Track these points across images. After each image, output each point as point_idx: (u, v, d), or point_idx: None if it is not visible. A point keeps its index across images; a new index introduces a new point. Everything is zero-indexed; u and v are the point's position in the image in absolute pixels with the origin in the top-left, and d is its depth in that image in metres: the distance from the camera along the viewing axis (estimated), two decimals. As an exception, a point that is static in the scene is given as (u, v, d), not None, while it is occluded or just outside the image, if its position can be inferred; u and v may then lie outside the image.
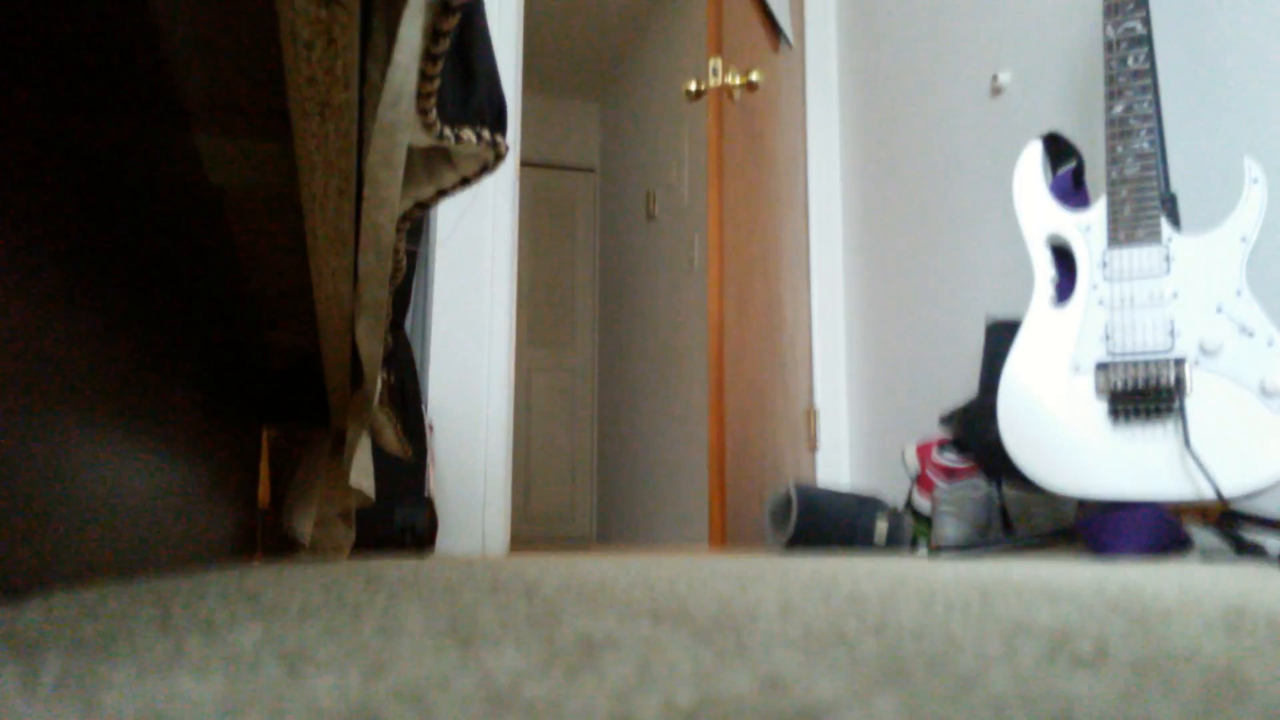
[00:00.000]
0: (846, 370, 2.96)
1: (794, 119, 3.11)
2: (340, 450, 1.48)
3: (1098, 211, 1.65)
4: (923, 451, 2.18)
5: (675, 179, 3.44)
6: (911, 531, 2.12)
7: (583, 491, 4.68)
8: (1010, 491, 1.91)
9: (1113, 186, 1.63)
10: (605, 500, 4.33)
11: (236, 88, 0.80)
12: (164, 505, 0.91)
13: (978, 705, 0.24)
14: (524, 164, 4.66)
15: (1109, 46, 1.67)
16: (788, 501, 2.13)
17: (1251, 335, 1.49)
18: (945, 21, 2.62)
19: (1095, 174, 1.95)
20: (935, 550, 1.72)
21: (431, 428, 2.33)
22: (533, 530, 4.57)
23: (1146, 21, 1.66)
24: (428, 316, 2.52)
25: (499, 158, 1.01)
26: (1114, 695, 0.26)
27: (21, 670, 0.29)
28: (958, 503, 1.93)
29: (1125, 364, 1.56)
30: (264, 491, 1.52)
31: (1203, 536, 1.67)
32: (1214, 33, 1.85)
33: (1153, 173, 1.60)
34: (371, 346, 1.06)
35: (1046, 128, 2.20)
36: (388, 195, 0.79)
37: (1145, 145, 1.61)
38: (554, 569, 1.03)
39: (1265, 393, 1.46)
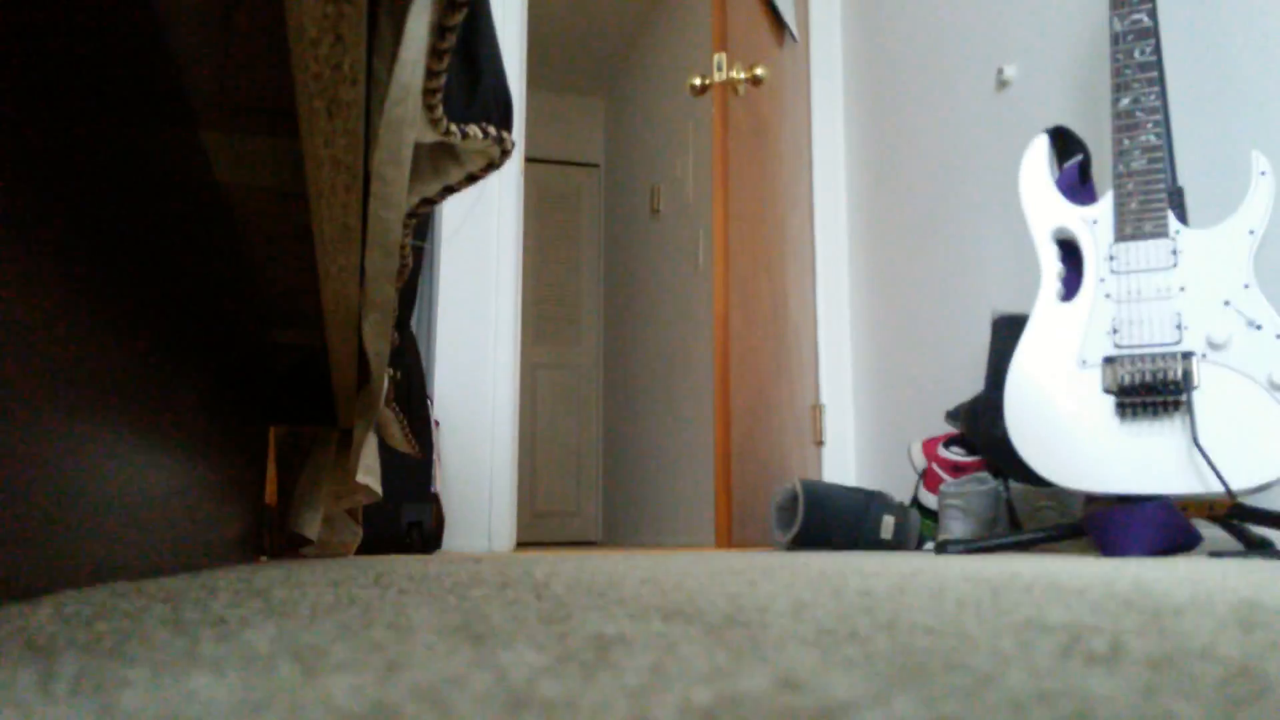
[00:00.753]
0: (852, 366, 2.96)
1: (799, 114, 3.10)
2: (347, 448, 1.48)
3: (1104, 205, 1.65)
4: (929, 447, 2.18)
5: (680, 175, 3.43)
6: (918, 528, 2.12)
7: (588, 489, 4.68)
8: (1017, 487, 1.91)
9: (1119, 180, 1.63)
10: (611, 498, 4.33)
11: (244, 85, 0.80)
12: (172, 504, 0.92)
13: (996, 703, 0.24)
14: (529, 160, 4.66)
15: (1115, 39, 1.67)
16: (794, 498, 2.12)
17: (1259, 329, 1.48)
18: (950, 15, 2.61)
19: (1102, 168, 1.94)
20: (942, 546, 1.72)
21: (438, 425, 2.34)
22: (538, 528, 4.57)
23: (1153, 14, 1.65)
24: (433, 314, 2.52)
25: (505, 154, 1.01)
26: (1132, 692, 0.26)
27: (38, 671, 0.29)
28: (964, 498, 1.93)
29: (1132, 358, 1.56)
30: (271, 490, 1.53)
31: (1211, 532, 1.66)
32: (1221, 25, 1.85)
33: (1160, 166, 1.60)
34: (378, 344, 1.06)
35: (1052, 122, 2.20)
36: (395, 192, 0.79)
37: (1152, 139, 1.60)
38: (562, 567, 1.03)
39: (1273, 386, 1.45)
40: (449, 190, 1.04)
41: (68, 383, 0.62)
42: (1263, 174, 1.54)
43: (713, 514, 2.91)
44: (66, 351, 0.62)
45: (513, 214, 2.61)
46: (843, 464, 2.90)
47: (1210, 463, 1.45)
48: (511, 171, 2.62)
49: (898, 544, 2.08)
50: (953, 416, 2.18)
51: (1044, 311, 1.67)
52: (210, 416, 1.08)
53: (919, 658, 0.32)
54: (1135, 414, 1.55)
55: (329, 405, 1.47)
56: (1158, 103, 1.61)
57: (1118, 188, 1.63)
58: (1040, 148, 1.77)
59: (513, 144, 0.96)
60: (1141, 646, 0.35)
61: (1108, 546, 1.53)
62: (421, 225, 1.42)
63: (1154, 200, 1.59)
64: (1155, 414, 1.53)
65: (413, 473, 2.04)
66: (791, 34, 3.08)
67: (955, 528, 1.92)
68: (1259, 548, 1.53)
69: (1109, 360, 1.58)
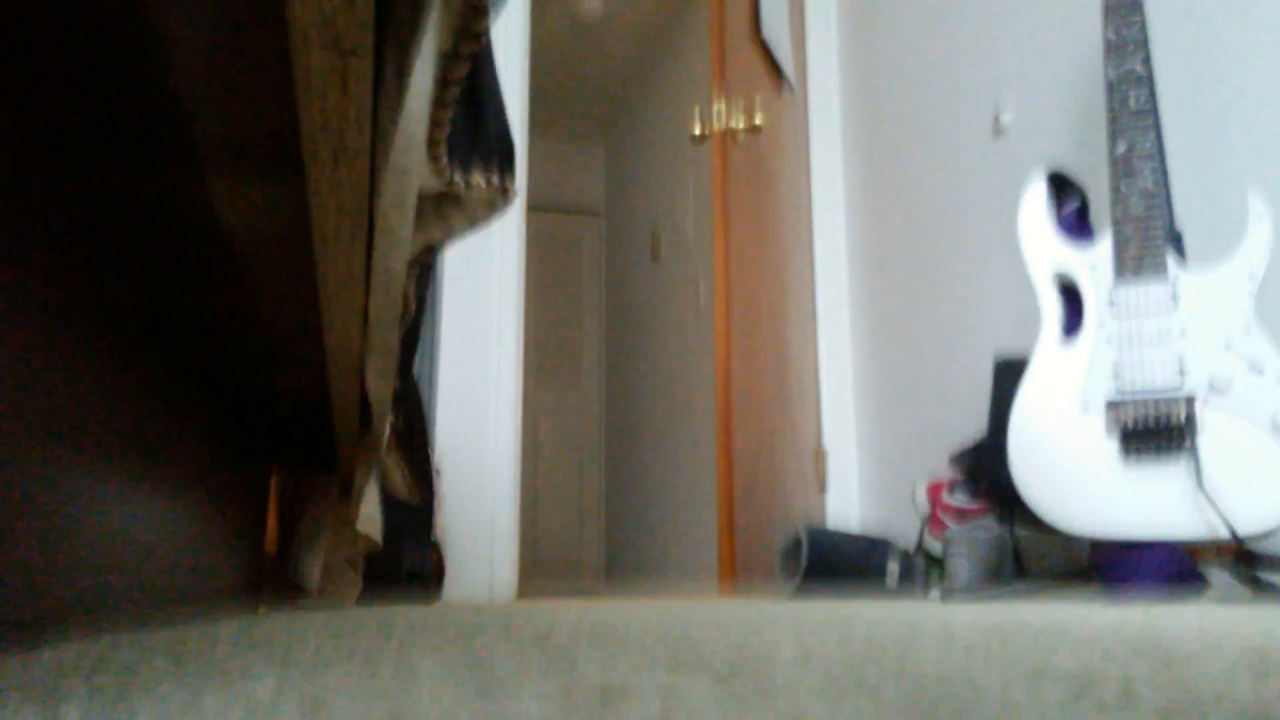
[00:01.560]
0: (855, 410, 2.96)
1: (798, 160, 3.13)
2: (348, 495, 1.47)
3: (1103, 248, 1.66)
4: (933, 492, 2.17)
5: (680, 220, 3.45)
6: (923, 573, 2.10)
7: (591, 534, 4.65)
8: (1023, 532, 1.89)
9: (1118, 224, 1.63)
10: (614, 542, 4.30)
11: (250, 131, 0.81)
12: (172, 548, 0.91)
13: (1010, 754, 0.24)
14: (530, 207, 4.69)
15: (1110, 87, 1.68)
16: (798, 543, 2.11)
17: (1261, 373, 1.48)
18: (947, 63, 2.65)
19: (1100, 210, 1.95)
20: (948, 592, 1.71)
21: (439, 471, 2.33)
22: (541, 572, 4.54)
23: (1147, 62, 1.67)
24: (435, 359, 2.53)
25: (508, 200, 1.02)
26: (1147, 743, 0.25)
27: (37, 723, 0.29)
28: (969, 544, 1.91)
29: (1135, 402, 1.55)
30: (271, 536, 1.52)
31: (1219, 576, 1.65)
32: (1216, 70, 1.87)
33: (1158, 210, 1.61)
34: (381, 389, 1.06)
35: (1050, 162, 2.21)
36: (399, 239, 0.79)
37: (1149, 183, 1.62)
38: (565, 615, 1.03)
39: (1277, 429, 1.45)
40: (452, 235, 1.05)
41: (68, 426, 0.62)
42: (1259, 218, 1.55)
43: (716, 558, 2.89)
44: (68, 395, 0.62)
45: (515, 260, 2.62)
46: (847, 507, 2.88)
47: (1216, 507, 1.44)
48: (514, 218, 2.63)
49: (903, 590, 2.06)
50: (956, 460, 2.17)
51: (1045, 354, 1.67)
52: (211, 461, 1.08)
53: (928, 707, 0.32)
54: (1140, 458, 1.54)
55: (330, 451, 1.47)
56: (1154, 148, 1.63)
57: (1116, 231, 1.64)
58: (1038, 191, 1.78)
59: (515, 190, 0.97)
60: (1153, 694, 0.35)
61: (1115, 591, 1.52)
62: (424, 273, 1.42)
63: (1153, 243, 1.60)
64: (1160, 458, 1.53)
65: (414, 520, 2.03)
66: (789, 83, 3.11)
67: (961, 574, 1.91)
68: (1267, 592, 1.52)
69: (1112, 404, 1.58)
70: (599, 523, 4.63)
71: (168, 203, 0.80)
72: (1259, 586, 1.54)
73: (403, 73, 0.65)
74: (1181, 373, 1.53)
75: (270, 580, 1.51)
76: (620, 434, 4.25)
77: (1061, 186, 1.89)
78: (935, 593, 2.10)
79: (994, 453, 1.85)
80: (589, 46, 4.08)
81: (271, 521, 1.52)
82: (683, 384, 3.36)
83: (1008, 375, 1.88)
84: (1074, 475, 1.58)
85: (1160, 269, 1.59)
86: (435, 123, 0.74)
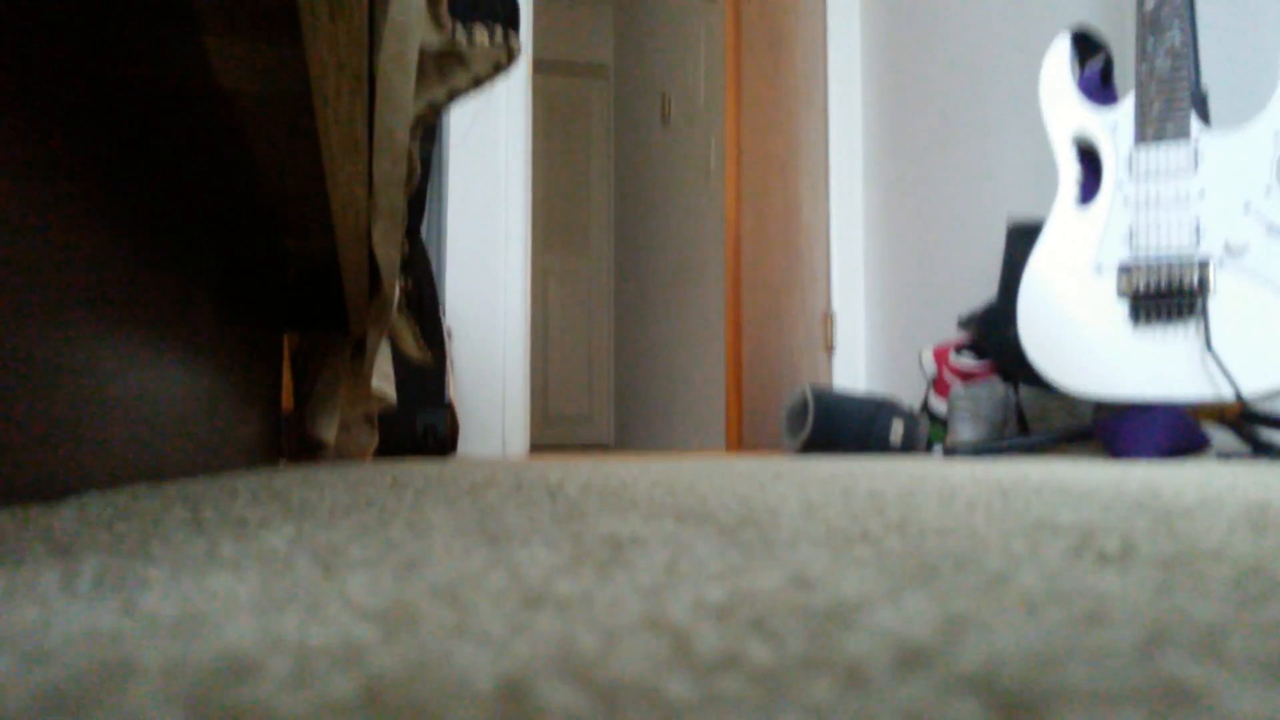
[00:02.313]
0: (864, 273, 2.94)
1: (813, 19, 3.02)
2: (361, 355, 1.48)
3: (1126, 109, 1.61)
4: (940, 354, 2.18)
5: (692, 82, 3.37)
6: (927, 434, 2.13)
7: (600, 396, 4.71)
8: (1027, 391, 1.91)
9: (1142, 84, 1.59)
10: (623, 405, 4.36)
11: (244, -15, 0.78)
12: (190, 409, 0.92)
13: (1009, 602, 0.24)
14: (536, 69, 4.57)
15: (1143, -66, 1.61)
16: (804, 405, 2.13)
17: (1279, 234, 1.46)
18: (971, -90, 2.52)
19: (1124, 71, 1.89)
20: (950, 451, 1.73)
21: (450, 333, 2.34)
22: (552, 435, 4.62)
23: (1183, -93, 1.59)
24: (443, 222, 2.51)
25: (512, 57, 0.99)
26: (1145, 591, 0.26)
27: (60, 570, 0.29)
28: (974, 403, 1.93)
29: (1148, 264, 1.54)
30: (287, 396, 1.54)
31: (1220, 437, 1.67)
32: (1253, -82, 1.78)
33: (1184, 69, 1.56)
34: (388, 252, 1.06)
35: (1074, 21, 2.14)
36: (401, 97, 0.77)
37: (1177, 40, 1.56)
38: (575, 471, 1.05)
39: (1291, 293, 1.44)
40: (455, 95, 1.02)
41: (85, 291, 0.62)
42: (1290, 74, 1.50)
43: (724, 419, 2.93)
44: (82, 261, 0.61)
45: (521, 119, 2.57)
46: (853, 370, 2.90)
47: (1223, 368, 1.45)
48: (519, 76, 2.57)
49: (907, 449, 2.10)
50: (965, 324, 2.17)
51: (1060, 217, 1.65)
52: (225, 323, 1.08)
53: (930, 557, 0.32)
54: (1149, 321, 1.54)
55: (341, 313, 1.47)
56: (1183, 3, 1.56)
57: (1140, 90, 1.59)
58: (1061, 49, 1.73)
59: (520, 46, 0.94)
60: (1152, 547, 0.35)
61: (1117, 450, 1.54)
62: (429, 132, 1.40)
63: (1177, 103, 1.56)
64: (1169, 320, 1.52)
65: (426, 380, 2.05)
66: (807, -70, 2.98)
67: (964, 431, 1.93)
68: (1267, 452, 1.54)
69: (1125, 268, 1.56)
70: (608, 382, 4.68)
71: (165, 64, 0.78)
72: (1259, 447, 1.56)
73: (401, -84, 0.62)
74: (1198, 235, 1.51)
75: (289, 436, 1.54)
76: (629, 297, 4.25)
77: (1086, 46, 1.83)
78: (939, 451, 2.13)
79: (1003, 315, 1.84)
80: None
81: (287, 379, 1.54)
82: (692, 246, 3.34)
83: (1021, 240, 1.86)
84: (1082, 337, 1.58)
85: (1183, 131, 1.55)
86: (436, -29, 0.71)
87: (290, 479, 0.83)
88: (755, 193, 2.83)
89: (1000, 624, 0.21)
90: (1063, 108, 1.68)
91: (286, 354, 1.55)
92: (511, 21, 1.01)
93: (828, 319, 2.93)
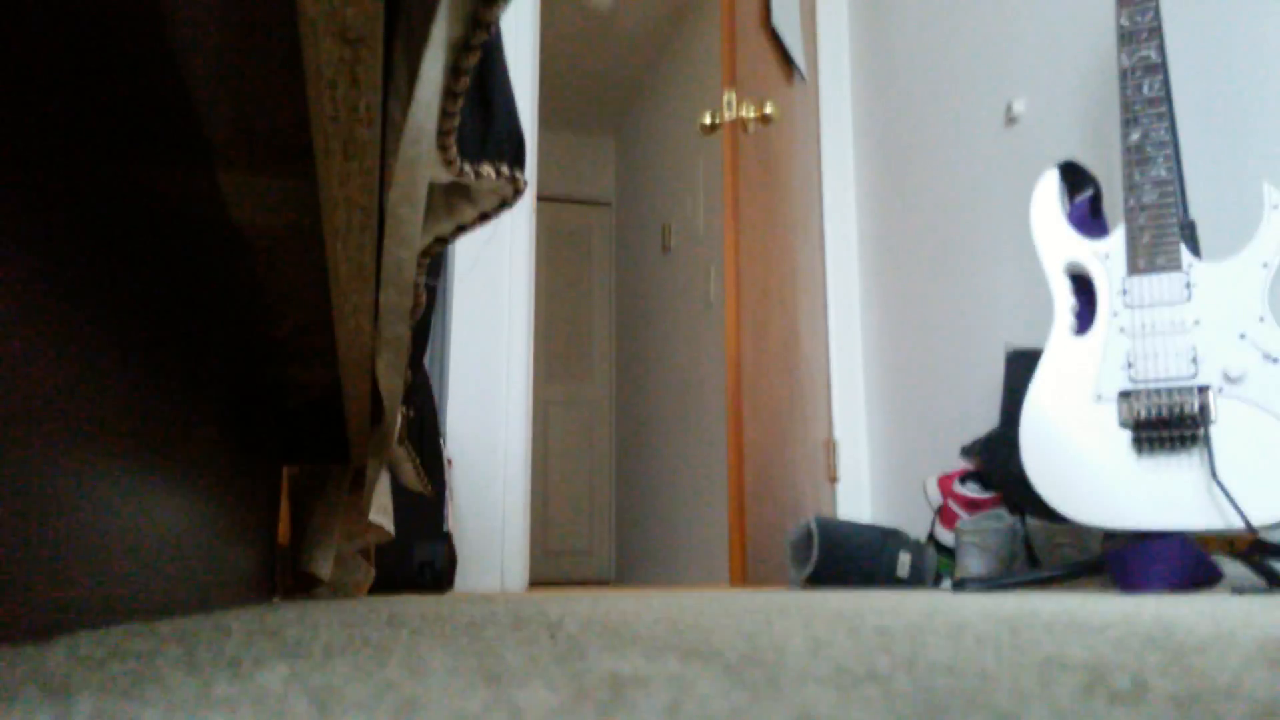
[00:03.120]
0: (865, 401, 2.95)
1: (809, 150, 3.12)
2: (360, 487, 1.48)
3: (1116, 239, 1.65)
4: (944, 483, 2.17)
5: (691, 212, 3.45)
6: (935, 565, 2.10)
7: (601, 527, 4.66)
8: (1035, 523, 1.89)
9: (1131, 214, 1.63)
10: (624, 536, 4.31)
11: (260, 124, 0.81)
12: (185, 543, 0.91)
13: (1021, 744, 0.24)
14: (540, 198, 4.69)
15: (1124, 75, 1.67)
16: (808, 537, 2.11)
17: (1276, 362, 1.47)
18: (959, 51, 2.63)
19: (1113, 202, 1.94)
20: (960, 584, 1.70)
21: (450, 463, 2.33)
22: (551, 567, 4.55)
23: (1161, 49, 1.66)
24: (446, 351, 2.53)
25: (518, 193, 1.02)
26: (1160, 732, 0.25)
27: (54, 712, 0.29)
28: (981, 535, 1.91)
29: (1148, 392, 1.55)
30: (284, 529, 1.52)
31: (1232, 568, 1.64)
32: (1230, 58, 1.85)
33: (1171, 199, 1.60)
34: (392, 382, 1.07)
35: (1062, 156, 2.20)
36: (409, 231, 0.79)
37: (1163, 172, 1.61)
38: (575, 606, 1.03)
39: (1292, 420, 1.44)
40: (462, 229, 1.05)
41: (82, 420, 0.62)
42: (1275, 206, 1.54)
43: (727, 551, 2.89)
44: (79, 388, 0.62)
45: (525, 252, 2.62)
46: (857, 500, 2.88)
47: (1230, 498, 1.44)
48: (524, 210, 2.63)
49: (914, 582, 2.06)
50: (968, 452, 2.17)
51: (1058, 346, 1.66)
52: (224, 454, 1.08)
53: (939, 697, 0.32)
54: (1153, 449, 1.53)
55: (342, 443, 1.47)
56: (1168, 136, 1.62)
57: (1130, 221, 1.63)
58: (1051, 182, 1.77)
59: (525, 183, 0.97)
60: (1166, 685, 0.35)
61: (1127, 583, 1.51)
62: (435, 264, 1.42)
63: (1166, 233, 1.59)
64: (1173, 449, 1.52)
65: (425, 511, 2.04)
66: (800, 73, 3.10)
67: (972, 565, 1.90)
68: (1281, 584, 1.51)
69: (1125, 395, 1.57)
70: (609, 515, 4.63)
71: (179, 196, 0.80)
72: (1273, 577, 1.53)
73: (412, 63, 0.65)
74: (1195, 363, 1.53)
75: (283, 571, 1.51)
76: (631, 425, 4.25)
77: (1075, 177, 1.88)
78: (947, 584, 2.10)
79: (1006, 443, 1.84)
80: (599, 36, 4.07)
81: (285, 512, 1.53)
82: (693, 375, 3.36)
83: (1020, 366, 1.87)
84: (1086, 466, 1.57)
85: (1174, 259, 1.58)
86: (445, 114, 0.74)
87: (284, 616, 0.82)
88: (755, 321, 2.86)
89: (1013, 770, 0.21)
90: (1054, 238, 1.72)
91: (285, 486, 1.54)
92: (518, 158, 1.04)
93: (830, 446, 2.92)
